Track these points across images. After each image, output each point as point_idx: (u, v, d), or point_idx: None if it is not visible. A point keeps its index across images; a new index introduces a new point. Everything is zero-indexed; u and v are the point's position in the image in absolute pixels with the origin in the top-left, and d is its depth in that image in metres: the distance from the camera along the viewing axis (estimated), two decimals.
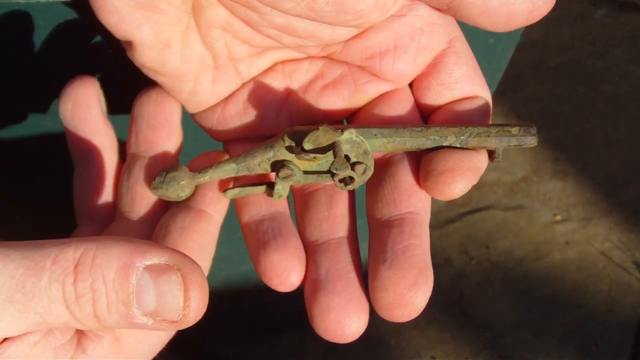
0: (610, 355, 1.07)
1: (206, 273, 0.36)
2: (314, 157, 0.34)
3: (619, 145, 1.31)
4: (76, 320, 0.28)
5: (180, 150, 0.39)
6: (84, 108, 0.38)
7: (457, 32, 0.36)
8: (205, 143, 0.40)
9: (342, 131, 0.34)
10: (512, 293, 1.13)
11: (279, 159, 0.35)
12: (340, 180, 0.34)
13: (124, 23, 0.33)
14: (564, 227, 1.21)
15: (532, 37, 1.42)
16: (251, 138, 0.38)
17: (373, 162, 0.35)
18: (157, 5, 0.33)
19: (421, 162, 0.34)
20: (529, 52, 1.41)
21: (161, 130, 0.38)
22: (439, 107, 0.36)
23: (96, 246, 0.28)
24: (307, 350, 1.02)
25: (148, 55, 0.35)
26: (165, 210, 0.38)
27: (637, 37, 1.47)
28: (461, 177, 0.32)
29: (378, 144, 0.35)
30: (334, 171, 0.33)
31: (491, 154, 0.35)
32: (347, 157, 0.35)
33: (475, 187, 0.34)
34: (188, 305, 0.28)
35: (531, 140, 0.34)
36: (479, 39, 0.57)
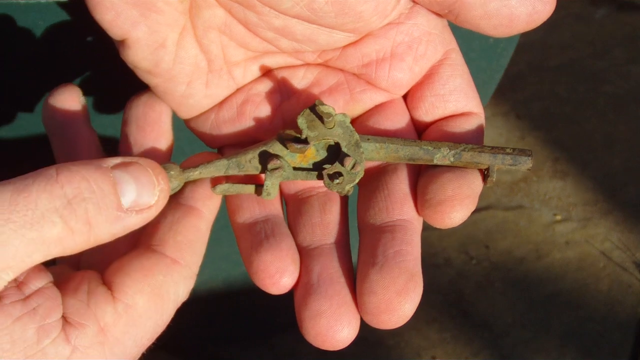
0: (610, 355, 1.07)
1: (196, 270, 0.36)
2: (303, 148, 0.34)
3: (619, 145, 1.31)
4: (69, 229, 0.29)
5: (171, 151, 0.39)
6: (66, 114, 0.38)
7: (454, 45, 0.36)
8: (201, 147, 0.40)
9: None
10: (512, 293, 1.13)
11: (271, 152, 0.35)
12: (330, 177, 0.34)
13: (119, 20, 0.33)
14: (564, 227, 1.21)
15: (532, 37, 1.42)
16: (244, 144, 0.38)
17: (364, 160, 0.34)
18: (154, 3, 0.33)
19: (418, 189, 0.34)
20: (529, 52, 1.41)
21: (150, 131, 0.38)
22: (432, 122, 0.36)
23: (66, 163, 0.30)
24: (306, 350, 1.02)
25: (142, 54, 0.34)
26: None
27: (637, 37, 1.47)
28: (460, 206, 0.32)
29: (371, 149, 0.34)
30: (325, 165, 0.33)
31: (485, 175, 0.34)
32: (337, 144, 0.34)
33: None
34: (160, 180, 0.32)
35: (526, 161, 0.34)
36: (479, 39, 0.57)
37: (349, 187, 0.34)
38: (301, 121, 0.34)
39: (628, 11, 1.51)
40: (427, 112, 0.36)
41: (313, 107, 0.34)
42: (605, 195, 1.25)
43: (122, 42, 0.34)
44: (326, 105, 0.33)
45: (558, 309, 1.11)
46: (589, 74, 1.41)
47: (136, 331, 0.32)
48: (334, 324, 0.31)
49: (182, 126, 0.40)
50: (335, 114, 0.34)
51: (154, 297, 0.33)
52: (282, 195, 0.37)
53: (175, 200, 0.37)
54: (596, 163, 1.29)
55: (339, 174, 0.34)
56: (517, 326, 1.09)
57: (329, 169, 0.34)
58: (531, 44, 1.42)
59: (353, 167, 0.34)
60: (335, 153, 0.35)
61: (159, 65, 0.35)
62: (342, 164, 0.34)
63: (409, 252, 0.32)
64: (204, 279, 0.81)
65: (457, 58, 0.36)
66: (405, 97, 0.37)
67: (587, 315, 1.10)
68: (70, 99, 0.38)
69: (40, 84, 0.47)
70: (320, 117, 0.34)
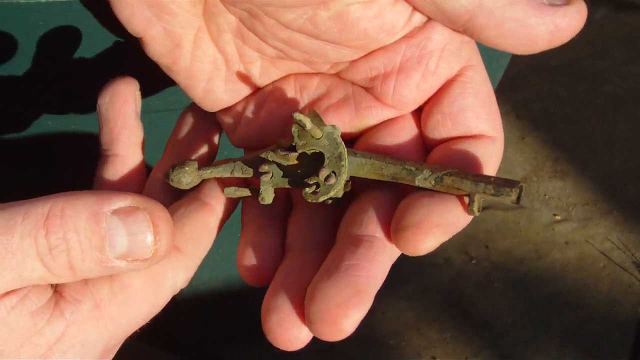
0: (610, 355, 1.07)
1: (198, 262, 0.36)
2: (287, 155, 0.34)
3: (619, 145, 1.31)
4: (51, 273, 0.29)
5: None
6: (120, 102, 0.38)
7: (474, 61, 0.34)
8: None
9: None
10: (512, 293, 1.13)
11: (265, 159, 0.35)
12: (307, 188, 0.34)
13: (135, 18, 0.34)
14: (564, 227, 1.21)
15: None
16: (260, 147, 0.38)
17: (344, 173, 0.34)
18: (166, 6, 0.33)
19: (395, 212, 0.32)
20: None
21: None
22: (440, 142, 0.34)
23: (63, 199, 0.29)
24: (305, 349, 1.02)
25: (160, 51, 0.35)
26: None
27: (637, 37, 1.47)
28: (426, 234, 0.30)
29: (356, 163, 0.34)
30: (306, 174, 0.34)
31: (467, 203, 0.32)
32: (320, 154, 0.34)
33: None
34: (159, 239, 0.30)
35: (509, 193, 0.31)
36: None
37: (324, 199, 0.34)
38: (294, 129, 0.34)
39: (628, 11, 1.51)
40: (434, 131, 0.34)
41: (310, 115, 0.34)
42: (605, 195, 1.25)
43: (141, 40, 0.35)
44: (304, 117, 0.33)
45: (558, 309, 1.11)
46: (589, 74, 1.41)
47: (130, 310, 0.33)
48: (285, 321, 0.31)
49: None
50: (325, 126, 0.34)
51: (150, 279, 0.33)
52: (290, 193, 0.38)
53: (194, 194, 0.37)
54: (596, 163, 1.29)
55: (316, 185, 0.34)
56: (517, 326, 1.09)
57: (309, 179, 0.34)
58: None
59: (327, 178, 0.33)
60: (322, 164, 0.35)
61: (177, 62, 0.36)
62: (318, 175, 0.34)
63: (365, 269, 0.30)
64: (204, 279, 0.81)
65: (473, 76, 0.34)
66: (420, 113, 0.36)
67: (587, 315, 1.10)
68: (127, 90, 0.38)
69: (40, 85, 0.47)
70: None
